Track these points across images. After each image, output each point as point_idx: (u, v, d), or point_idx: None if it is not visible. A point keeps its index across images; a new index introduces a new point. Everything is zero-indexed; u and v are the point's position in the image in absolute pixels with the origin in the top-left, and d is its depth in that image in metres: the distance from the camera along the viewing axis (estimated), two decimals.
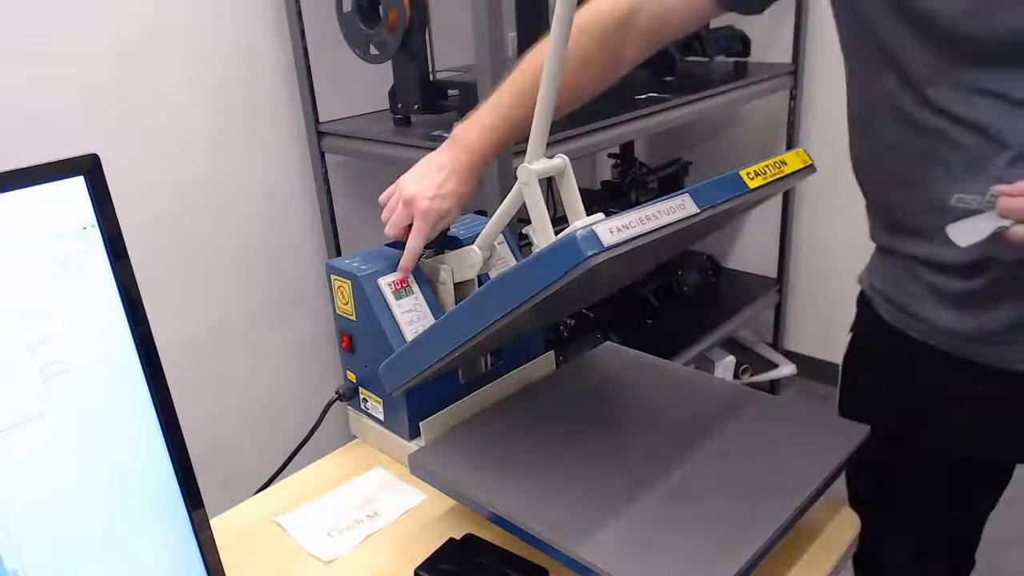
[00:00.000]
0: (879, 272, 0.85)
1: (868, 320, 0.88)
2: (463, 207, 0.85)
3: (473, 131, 0.83)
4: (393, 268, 0.84)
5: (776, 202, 2.28)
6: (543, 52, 0.68)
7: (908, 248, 0.77)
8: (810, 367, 2.43)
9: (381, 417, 0.87)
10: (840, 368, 0.94)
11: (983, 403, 0.78)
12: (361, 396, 0.90)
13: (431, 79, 1.55)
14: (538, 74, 0.68)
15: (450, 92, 1.56)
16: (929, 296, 0.77)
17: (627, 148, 2.30)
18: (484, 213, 0.97)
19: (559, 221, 0.71)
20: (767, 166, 0.66)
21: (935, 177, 0.70)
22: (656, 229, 0.56)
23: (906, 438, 0.83)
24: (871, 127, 0.77)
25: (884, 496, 0.76)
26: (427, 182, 0.82)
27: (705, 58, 2.05)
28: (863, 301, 0.89)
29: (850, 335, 0.93)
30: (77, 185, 0.50)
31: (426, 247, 0.88)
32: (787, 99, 2.16)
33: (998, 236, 0.61)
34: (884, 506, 0.76)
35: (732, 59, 2.11)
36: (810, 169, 0.70)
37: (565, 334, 1.92)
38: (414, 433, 0.84)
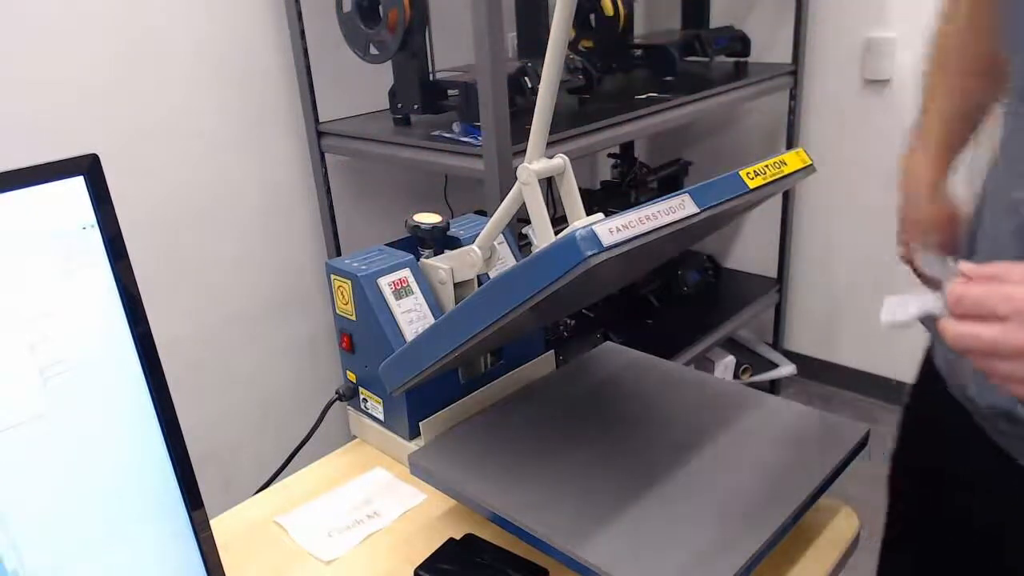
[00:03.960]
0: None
1: (928, 387, 0.80)
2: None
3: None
4: (393, 268, 0.84)
5: (776, 202, 2.28)
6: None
7: None
8: (810, 367, 2.43)
9: (381, 417, 0.87)
10: (899, 422, 0.87)
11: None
12: (361, 396, 0.90)
13: (431, 79, 1.55)
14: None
15: (450, 92, 1.56)
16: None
17: (627, 148, 2.29)
18: (484, 213, 0.97)
19: (559, 221, 0.71)
20: (767, 166, 0.66)
21: None
22: (656, 229, 0.56)
23: (936, 517, 0.78)
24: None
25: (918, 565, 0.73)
26: None
27: (705, 58, 2.05)
28: (927, 366, 0.81)
29: (911, 391, 0.85)
30: (77, 185, 0.50)
31: (425, 247, 0.88)
32: (787, 99, 2.15)
33: (929, 320, 0.53)
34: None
35: (732, 59, 2.11)
36: (810, 169, 0.70)
37: (565, 334, 1.92)
38: (414, 433, 0.84)
